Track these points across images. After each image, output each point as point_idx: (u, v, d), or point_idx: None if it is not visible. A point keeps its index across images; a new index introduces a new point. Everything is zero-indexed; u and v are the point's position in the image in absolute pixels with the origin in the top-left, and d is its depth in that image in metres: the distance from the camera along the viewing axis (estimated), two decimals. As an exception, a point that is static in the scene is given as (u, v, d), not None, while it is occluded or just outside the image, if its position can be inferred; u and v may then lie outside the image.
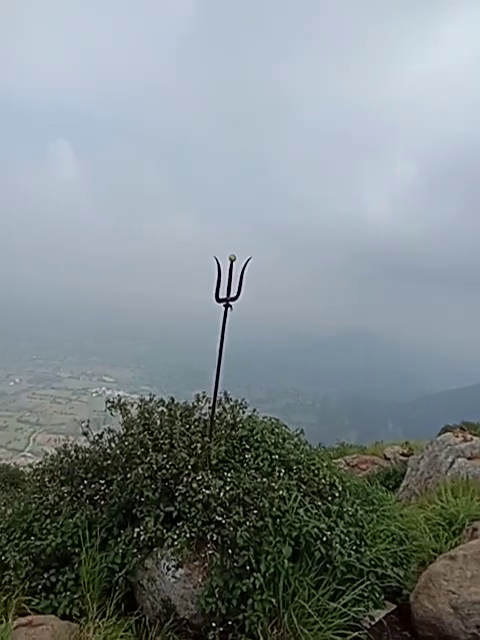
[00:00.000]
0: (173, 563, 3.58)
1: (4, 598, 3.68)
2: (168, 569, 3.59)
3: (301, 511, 3.69)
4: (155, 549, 3.68)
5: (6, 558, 3.82)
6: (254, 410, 5.05)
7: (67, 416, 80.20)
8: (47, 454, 5.18)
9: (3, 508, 4.48)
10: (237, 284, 4.04)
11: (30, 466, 5.44)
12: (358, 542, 3.74)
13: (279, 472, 3.92)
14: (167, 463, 4.06)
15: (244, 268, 4.02)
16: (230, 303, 4.07)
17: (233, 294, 4.08)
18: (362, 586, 3.47)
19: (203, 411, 4.98)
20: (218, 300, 4.07)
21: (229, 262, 3.91)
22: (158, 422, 4.75)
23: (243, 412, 4.93)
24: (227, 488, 3.73)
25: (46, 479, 4.68)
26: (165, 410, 4.97)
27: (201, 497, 3.67)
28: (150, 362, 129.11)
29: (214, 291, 4.05)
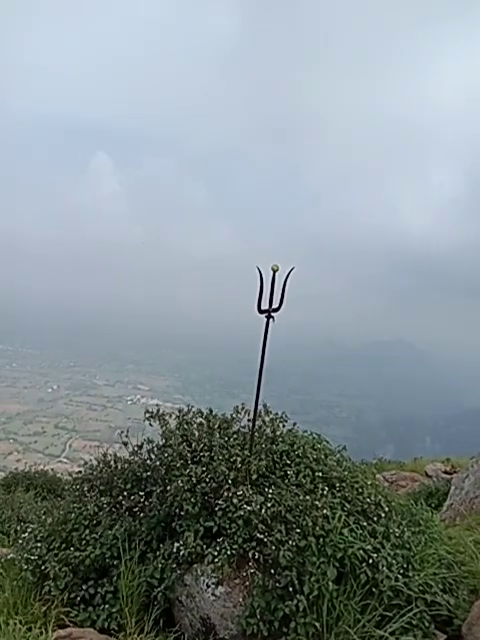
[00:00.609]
0: (213, 580, 3.50)
1: (43, 608, 3.68)
2: (208, 586, 3.51)
3: (345, 531, 3.54)
4: (195, 565, 3.60)
5: (46, 568, 3.82)
6: (294, 424, 4.93)
7: (102, 423, 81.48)
8: (86, 463, 5.19)
9: (43, 517, 4.49)
10: (279, 295, 3.96)
11: (69, 475, 5.46)
12: (405, 566, 3.55)
13: (322, 490, 3.79)
14: (206, 476, 3.99)
15: (287, 278, 3.94)
16: (272, 314, 3.99)
17: (275, 305, 4.00)
18: (410, 613, 3.29)
19: (242, 423, 4.91)
20: (260, 311, 4.00)
21: (272, 272, 3.84)
22: (196, 434, 4.70)
23: (283, 426, 4.82)
24: (268, 505, 3.63)
25: (85, 488, 4.68)
26: (203, 421, 4.91)
27: (242, 513, 3.58)
28: (183, 371, 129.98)
29: (256, 302, 3.98)
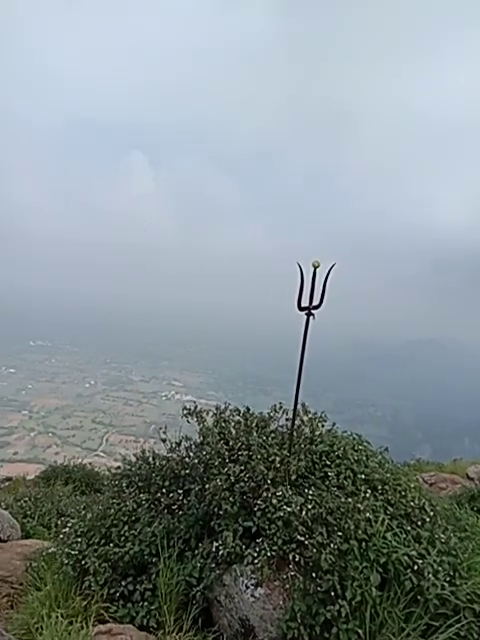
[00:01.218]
0: (252, 581, 3.45)
1: (84, 603, 3.71)
2: (247, 587, 3.46)
3: (389, 535, 3.43)
4: (234, 565, 3.56)
5: (86, 563, 3.85)
6: (334, 424, 4.83)
7: (138, 418, 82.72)
8: (125, 459, 5.23)
9: (83, 512, 4.54)
10: (320, 292, 3.87)
11: (109, 470, 5.51)
12: (452, 574, 3.41)
13: (364, 492, 3.68)
14: (245, 476, 3.95)
15: (327, 275, 3.84)
16: (312, 312, 3.90)
17: (315, 302, 3.90)
18: (458, 624, 3.15)
19: (279, 422, 4.84)
20: (300, 308, 3.92)
21: (312, 269, 3.75)
22: (233, 432, 4.66)
23: (322, 426, 4.73)
24: (309, 506, 3.55)
25: (124, 484, 4.71)
26: (241, 420, 4.87)
27: (282, 514, 3.52)
28: (217, 368, 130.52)
29: (296, 299, 3.90)
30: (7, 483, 13.43)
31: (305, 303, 3.89)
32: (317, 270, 3.74)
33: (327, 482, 3.96)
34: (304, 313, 3.91)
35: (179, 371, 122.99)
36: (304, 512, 3.51)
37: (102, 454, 63.73)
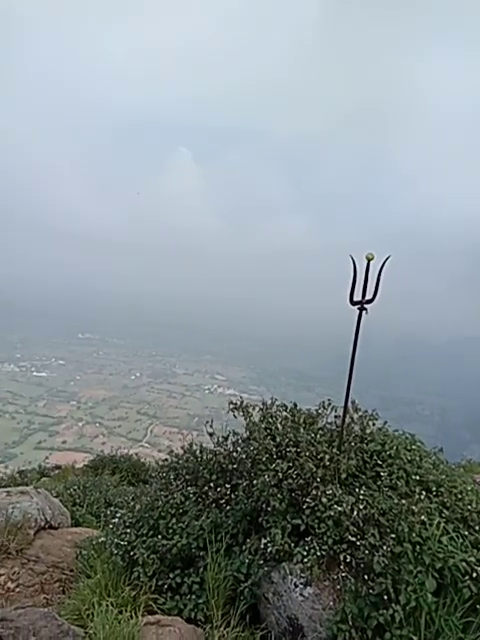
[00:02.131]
0: (301, 580, 3.39)
1: (133, 593, 3.76)
2: (296, 586, 3.41)
3: (445, 540, 3.29)
4: (283, 563, 3.50)
5: (135, 554, 3.90)
6: (385, 422, 4.68)
7: (181, 410, 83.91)
8: (172, 451, 5.27)
9: (132, 503, 4.60)
10: (374, 286, 3.73)
11: (157, 463, 5.57)
12: (514, 583, 3.24)
13: (419, 494, 3.54)
14: (293, 473, 3.88)
15: (382, 268, 3.70)
16: (365, 306, 3.77)
17: (368, 296, 3.77)
18: (521, 637, 2.98)
19: (328, 419, 4.74)
20: (353, 303, 3.79)
21: (366, 262, 3.62)
22: (280, 428, 4.59)
23: (373, 424, 4.59)
24: (360, 506, 3.45)
25: (171, 477, 4.74)
26: (288, 416, 4.79)
27: (332, 513, 3.44)
28: (259, 363, 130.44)
29: (349, 293, 3.78)
30: (57, 471, 13.90)
31: (358, 297, 3.76)
32: (371, 263, 3.61)
33: (379, 482, 3.84)
34: (356, 307, 3.78)
35: (222, 365, 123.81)
36: (355, 512, 3.41)
37: (146, 445, 65.04)
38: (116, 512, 4.69)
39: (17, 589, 4.70)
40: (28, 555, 5.07)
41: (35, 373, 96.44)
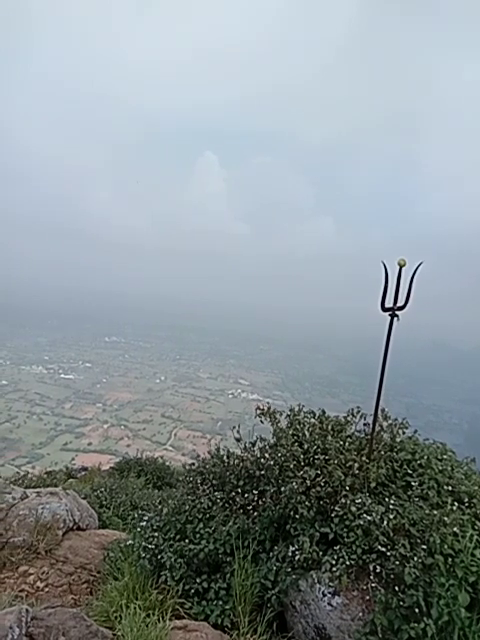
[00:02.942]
0: (330, 590, 3.35)
1: (160, 597, 3.78)
2: (324, 595, 3.37)
3: (478, 553, 3.21)
4: (311, 571, 3.47)
5: (162, 558, 3.92)
6: (415, 431, 4.60)
7: (205, 414, 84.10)
8: (199, 456, 5.28)
9: (159, 506, 4.62)
10: (405, 292, 3.68)
11: (183, 466, 5.59)
12: None
13: (451, 505, 3.46)
14: (321, 480, 3.85)
15: (414, 274, 3.65)
16: (397, 313, 3.72)
17: (400, 303, 3.73)
18: None
19: (357, 427, 4.68)
20: (384, 309, 3.75)
21: (398, 268, 3.58)
22: (307, 434, 4.57)
23: (403, 432, 4.52)
24: (390, 516, 3.40)
25: (199, 481, 4.75)
26: (316, 422, 4.76)
27: (361, 522, 3.39)
28: (283, 368, 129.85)
29: (380, 299, 3.74)
30: (83, 473, 14.06)
31: (389, 303, 3.72)
32: (402, 269, 3.57)
33: (409, 492, 3.78)
34: (388, 314, 3.74)
35: (245, 370, 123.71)
36: (385, 522, 3.36)
37: (170, 448, 65.36)
38: (143, 515, 4.72)
39: (46, 589, 4.78)
40: (57, 555, 5.15)
41: (63, 375, 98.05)
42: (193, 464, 5.11)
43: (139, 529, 4.45)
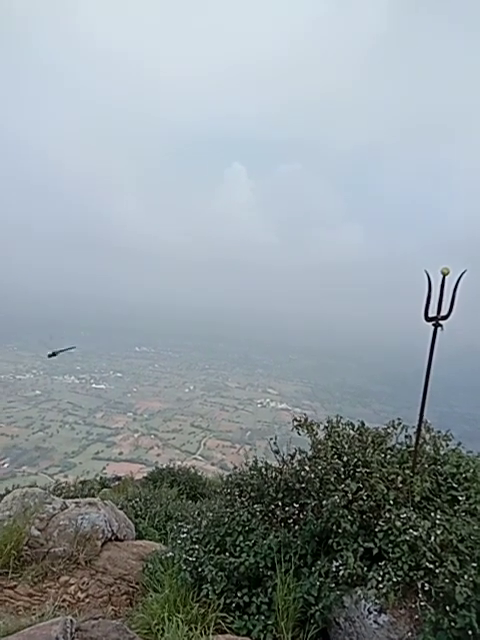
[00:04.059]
0: (376, 607, 3.27)
1: (202, 611, 3.75)
2: (369, 612, 3.29)
3: None
4: (356, 588, 3.40)
5: (203, 571, 3.89)
6: (459, 443, 4.48)
7: (234, 424, 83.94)
8: (235, 467, 5.26)
9: (199, 519, 4.61)
10: (449, 301, 3.61)
11: (220, 478, 5.57)
12: None
13: (501, 521, 3.35)
14: (364, 494, 3.78)
15: (457, 283, 3.58)
16: (440, 322, 3.65)
17: (444, 312, 3.65)
18: None
19: (398, 439, 4.59)
20: (427, 319, 3.68)
21: (441, 276, 3.51)
22: (347, 447, 4.49)
23: (446, 444, 4.41)
24: (437, 532, 3.31)
25: (236, 493, 4.73)
26: (355, 434, 4.69)
27: (407, 538, 3.31)
28: (312, 377, 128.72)
29: (423, 308, 3.67)
30: (117, 482, 14.18)
31: (433, 313, 3.65)
32: (446, 278, 3.50)
33: (456, 506, 3.68)
34: (431, 324, 3.67)
35: (274, 379, 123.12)
36: (432, 538, 3.28)
37: (200, 458, 65.39)
38: (182, 527, 4.71)
39: (86, 599, 4.81)
40: (96, 566, 5.19)
41: (94, 385, 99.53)
42: (230, 476, 5.10)
43: (179, 541, 4.44)
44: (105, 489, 12.58)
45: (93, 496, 8.63)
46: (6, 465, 59.09)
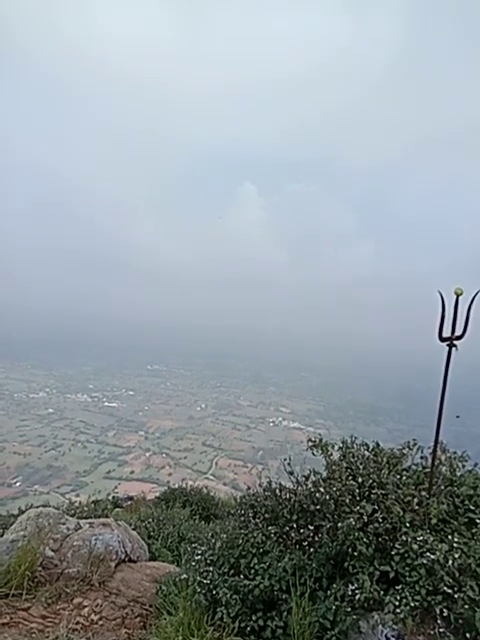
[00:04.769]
0: (393, 633, 3.21)
1: (217, 634, 3.71)
2: (387, 638, 3.23)
3: None
4: (373, 613, 3.35)
5: (218, 594, 3.86)
6: (476, 464, 4.43)
7: (246, 443, 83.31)
8: (248, 488, 5.24)
9: (212, 540, 4.59)
10: (463, 321, 3.61)
11: (234, 499, 5.55)
12: None
13: (520, 545, 3.30)
14: (379, 516, 3.74)
15: (471, 303, 3.58)
16: (455, 343, 3.65)
17: (458, 332, 3.65)
18: None
19: (414, 460, 4.55)
20: (442, 339, 3.69)
21: (455, 296, 3.52)
22: (362, 468, 4.46)
23: (463, 465, 4.36)
24: (455, 555, 3.26)
25: (250, 514, 4.70)
26: (370, 455, 4.66)
27: (424, 561, 3.27)
28: (325, 395, 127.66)
29: (437, 329, 3.68)
30: (129, 502, 14.12)
31: (447, 333, 3.65)
32: (459, 298, 3.51)
33: (474, 529, 3.62)
34: (445, 344, 3.66)
35: (286, 397, 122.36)
36: (450, 561, 3.23)
37: (211, 477, 64.86)
38: (196, 549, 4.68)
39: (100, 622, 4.78)
40: (110, 588, 5.16)
41: (106, 403, 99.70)
42: (244, 496, 5.07)
43: (193, 563, 4.41)
44: (117, 509, 12.54)
45: (106, 516, 8.61)
46: (18, 484, 59.13)
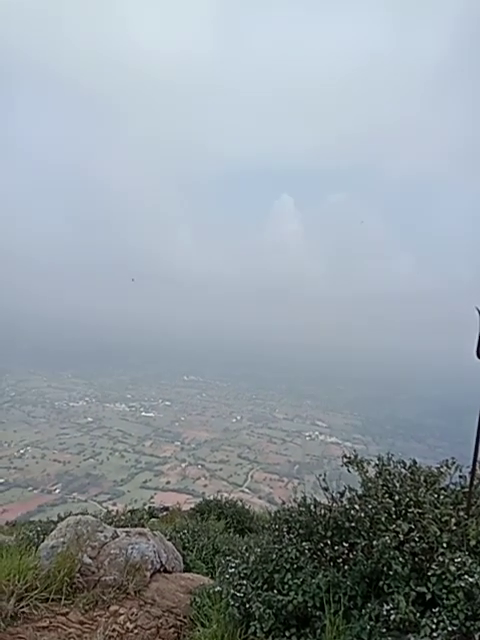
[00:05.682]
0: (429, 656, 3.14)
1: (250, 650, 3.72)
2: (423, 662, 3.17)
3: None
4: (409, 635, 3.28)
5: (251, 608, 3.87)
6: (516, 485, 4.30)
7: (282, 457, 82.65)
8: (283, 503, 5.23)
9: (246, 554, 4.60)
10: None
11: (269, 513, 5.55)
12: None
13: None
14: (416, 535, 3.68)
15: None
16: (493, 360, 3.59)
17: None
18: None
19: (452, 479, 4.46)
20: (479, 356, 3.63)
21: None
22: (398, 486, 4.40)
23: (503, 485, 4.24)
24: (495, 579, 3.17)
25: (285, 529, 4.69)
26: (407, 473, 4.59)
27: (463, 584, 3.19)
28: (362, 410, 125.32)
29: (476, 345, 3.63)
30: (165, 513, 14.25)
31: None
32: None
33: (514, 553, 3.52)
34: (484, 361, 3.61)
35: (323, 411, 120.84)
36: (490, 586, 3.14)
37: (247, 490, 64.53)
38: (229, 562, 4.70)
39: (135, 630, 4.85)
40: (145, 597, 5.23)
41: (143, 413, 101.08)
42: (278, 511, 5.06)
43: (227, 576, 4.43)
44: (153, 519, 12.68)
45: (142, 526, 8.72)
46: (58, 491, 60.51)
